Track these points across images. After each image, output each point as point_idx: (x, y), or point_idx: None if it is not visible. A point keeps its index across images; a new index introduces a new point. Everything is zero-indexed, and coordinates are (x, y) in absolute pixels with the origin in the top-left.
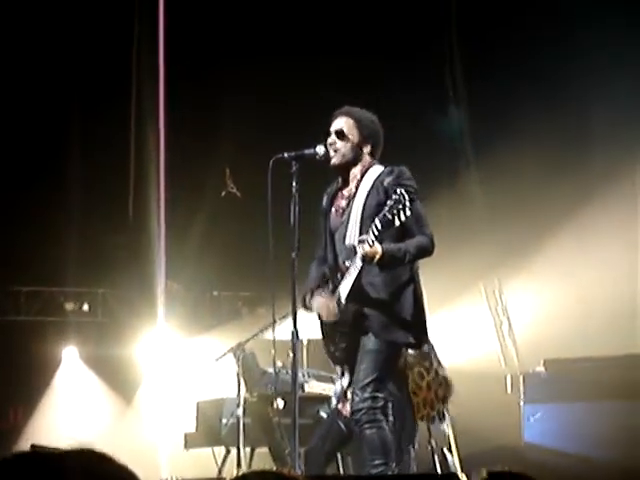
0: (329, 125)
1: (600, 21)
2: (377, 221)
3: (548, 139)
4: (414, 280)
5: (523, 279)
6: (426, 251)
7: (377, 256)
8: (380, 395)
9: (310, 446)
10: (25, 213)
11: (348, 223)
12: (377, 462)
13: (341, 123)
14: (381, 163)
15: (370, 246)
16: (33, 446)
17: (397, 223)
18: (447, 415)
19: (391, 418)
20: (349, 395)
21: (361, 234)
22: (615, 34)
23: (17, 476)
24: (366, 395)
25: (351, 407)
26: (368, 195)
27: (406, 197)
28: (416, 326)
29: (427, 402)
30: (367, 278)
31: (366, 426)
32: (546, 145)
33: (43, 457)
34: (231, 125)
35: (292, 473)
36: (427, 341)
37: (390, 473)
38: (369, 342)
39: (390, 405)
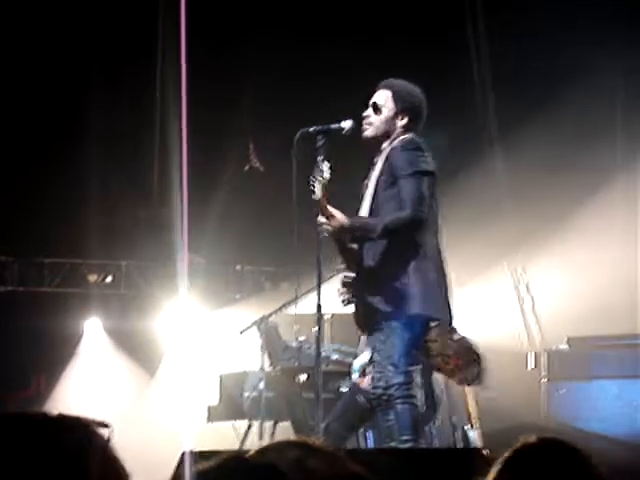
0: (369, 97)
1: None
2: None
3: (572, 115)
4: (425, 249)
5: (547, 257)
6: (404, 226)
7: (339, 227)
8: (412, 369)
9: (330, 420)
10: (49, 184)
11: (365, 194)
12: (406, 438)
13: (378, 96)
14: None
15: (328, 217)
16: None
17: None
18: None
19: (421, 393)
20: (369, 369)
21: (372, 205)
22: None
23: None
24: (398, 370)
25: (384, 382)
26: (383, 165)
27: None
28: (436, 299)
29: (458, 368)
30: (368, 251)
31: (399, 401)
32: (570, 121)
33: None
34: (255, 98)
35: (316, 442)
36: (449, 314)
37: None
38: (391, 319)
39: (419, 380)
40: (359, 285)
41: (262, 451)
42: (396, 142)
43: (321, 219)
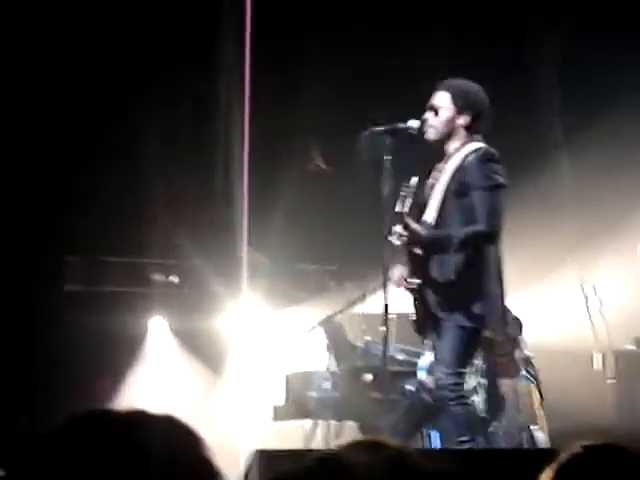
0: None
1: None
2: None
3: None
4: (489, 261)
5: (614, 255)
6: (480, 240)
7: (418, 238)
8: (465, 371)
9: (396, 420)
10: (113, 183)
11: (430, 199)
12: (463, 438)
13: (437, 97)
14: (484, 140)
15: (406, 228)
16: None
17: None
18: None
19: (482, 393)
20: (435, 369)
21: (440, 212)
22: None
23: (89, 434)
24: (450, 371)
25: (437, 384)
26: (454, 173)
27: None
28: (494, 313)
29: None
30: (436, 260)
31: (452, 402)
32: (637, 126)
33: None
34: (322, 94)
35: (388, 441)
36: (504, 322)
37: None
38: (449, 324)
39: (481, 380)
40: (422, 293)
41: (350, 451)
42: (469, 150)
43: (398, 229)
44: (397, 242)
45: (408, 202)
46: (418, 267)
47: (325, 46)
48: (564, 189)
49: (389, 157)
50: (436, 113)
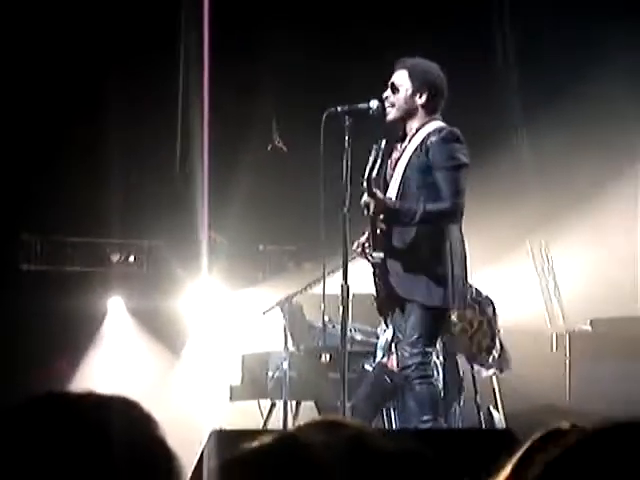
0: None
1: None
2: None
3: (601, 96)
4: (451, 239)
5: (570, 237)
6: (445, 217)
7: (380, 209)
8: (430, 350)
9: (356, 400)
10: (71, 163)
11: (393, 177)
12: (426, 417)
13: (395, 76)
14: (443, 120)
15: (372, 196)
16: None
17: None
18: (494, 367)
19: (441, 373)
20: (394, 348)
21: (401, 191)
22: None
23: (41, 416)
24: (415, 351)
25: (401, 363)
26: (413, 152)
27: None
28: (458, 291)
29: (471, 352)
30: (399, 236)
31: (416, 381)
32: (598, 101)
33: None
34: (279, 78)
35: (347, 420)
36: (468, 297)
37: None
38: (412, 304)
39: (440, 360)
40: (385, 267)
41: (309, 430)
42: (431, 129)
43: (366, 197)
44: (365, 212)
45: (377, 164)
46: (381, 244)
47: (283, 27)
48: (524, 169)
49: (349, 138)
50: (395, 91)
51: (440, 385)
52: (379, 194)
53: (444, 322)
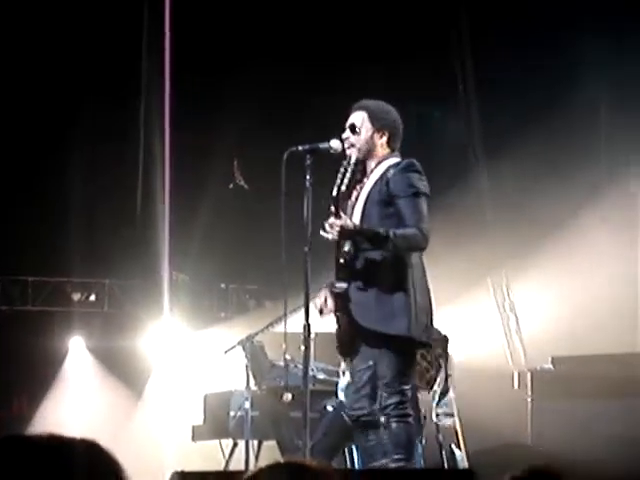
0: (346, 119)
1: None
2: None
3: (558, 136)
4: (413, 269)
5: (531, 275)
6: (412, 242)
7: (348, 228)
8: (407, 388)
9: (316, 439)
10: (32, 203)
11: (352, 214)
12: (398, 457)
13: (354, 117)
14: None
15: (339, 219)
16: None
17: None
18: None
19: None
20: (350, 388)
21: (362, 223)
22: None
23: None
24: (393, 390)
25: (380, 404)
26: (373, 186)
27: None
28: (425, 322)
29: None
30: (363, 264)
31: (394, 420)
32: (556, 142)
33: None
34: (238, 119)
35: (310, 463)
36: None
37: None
38: (380, 337)
39: (414, 400)
40: (347, 297)
41: (255, 476)
42: (390, 164)
43: (332, 220)
44: (328, 235)
45: (346, 180)
46: (344, 274)
47: (244, 68)
48: (484, 205)
49: (310, 177)
50: (354, 132)
51: (417, 426)
52: (344, 216)
53: (414, 356)
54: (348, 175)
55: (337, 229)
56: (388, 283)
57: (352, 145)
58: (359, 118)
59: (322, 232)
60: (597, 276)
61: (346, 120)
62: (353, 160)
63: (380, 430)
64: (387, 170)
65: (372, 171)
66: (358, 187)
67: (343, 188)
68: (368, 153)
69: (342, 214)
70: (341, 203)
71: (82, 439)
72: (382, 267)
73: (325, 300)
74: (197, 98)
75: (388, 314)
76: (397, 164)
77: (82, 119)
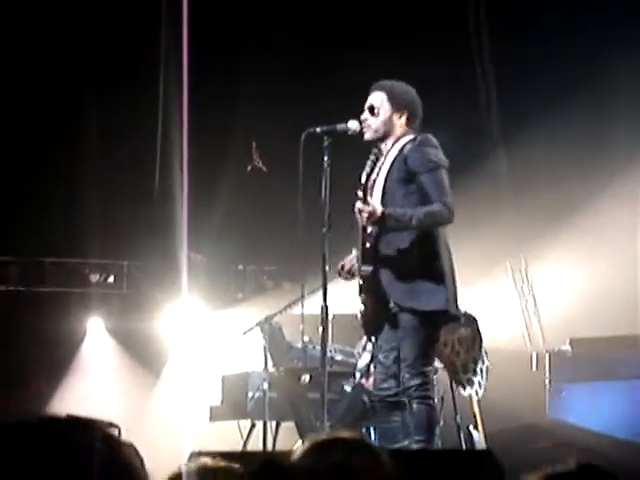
0: (365, 100)
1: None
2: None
3: (575, 121)
4: (440, 247)
5: (549, 258)
6: (439, 218)
7: (377, 215)
8: (429, 369)
9: (334, 420)
10: (50, 183)
11: (373, 192)
12: (419, 438)
13: (373, 98)
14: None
15: (367, 204)
16: (68, 415)
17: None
18: (474, 385)
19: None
20: (372, 369)
21: (383, 203)
22: None
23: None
24: (415, 371)
25: (403, 384)
26: (392, 164)
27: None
28: (445, 293)
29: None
30: (390, 245)
31: (416, 401)
32: (572, 126)
33: None
34: (258, 99)
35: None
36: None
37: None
38: (406, 317)
39: (434, 380)
40: (376, 280)
41: (305, 453)
42: (406, 141)
43: (359, 205)
44: (360, 221)
45: (376, 168)
46: (370, 257)
47: (264, 47)
48: (502, 187)
49: (327, 158)
50: (373, 113)
51: (438, 408)
52: (371, 201)
53: (438, 333)
54: (379, 164)
55: (365, 215)
56: (420, 259)
57: (369, 126)
58: (378, 99)
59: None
60: (615, 259)
61: (365, 100)
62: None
63: (404, 411)
64: (404, 147)
65: (389, 150)
66: (377, 166)
67: (373, 176)
68: (386, 134)
69: (370, 200)
70: (369, 186)
71: (99, 420)
72: (411, 245)
73: (349, 270)
74: (217, 77)
75: (425, 290)
76: (413, 139)
77: (99, 97)
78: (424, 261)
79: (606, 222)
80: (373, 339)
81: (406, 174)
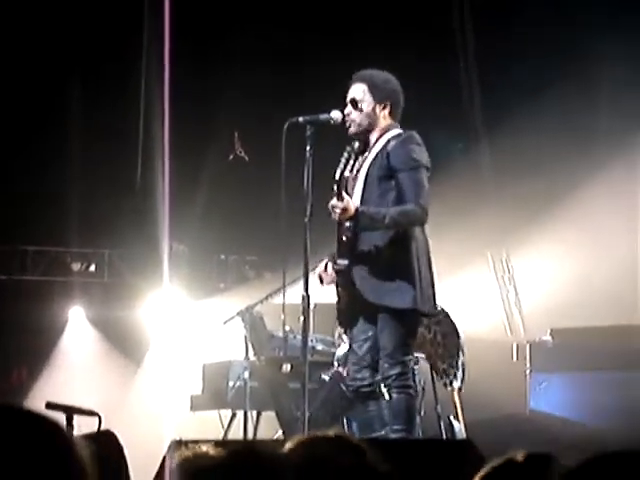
0: (346, 91)
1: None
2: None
3: (557, 110)
4: (414, 247)
5: (531, 248)
6: (413, 218)
7: (349, 213)
8: (408, 359)
9: (313, 409)
10: (32, 172)
11: (354, 187)
12: (398, 427)
13: (355, 91)
14: (401, 127)
15: (341, 200)
16: (48, 403)
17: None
18: (457, 376)
19: (417, 383)
20: (350, 359)
21: (363, 198)
22: None
23: None
24: (394, 361)
25: (381, 374)
26: (374, 159)
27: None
28: (428, 294)
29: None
30: (366, 241)
31: (395, 391)
32: (555, 116)
33: None
34: (239, 89)
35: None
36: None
37: None
38: (381, 310)
39: (415, 370)
40: (350, 274)
41: (296, 446)
42: (390, 136)
43: (334, 202)
44: (334, 217)
45: (349, 165)
46: (346, 251)
47: (244, 37)
48: (483, 177)
49: (310, 148)
50: (355, 107)
51: (418, 397)
52: (348, 198)
53: (416, 328)
54: (351, 161)
55: (338, 211)
56: (392, 258)
57: (353, 120)
58: (359, 91)
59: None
60: (596, 248)
61: (347, 91)
62: (357, 145)
63: (380, 401)
64: (387, 142)
65: (374, 144)
66: (360, 159)
67: (347, 173)
68: (370, 126)
69: (345, 195)
70: (344, 183)
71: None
72: (386, 242)
73: (325, 268)
74: (197, 67)
75: (394, 288)
76: (398, 136)
77: (81, 87)
78: (396, 260)
79: (587, 212)
80: (347, 329)
81: (387, 170)
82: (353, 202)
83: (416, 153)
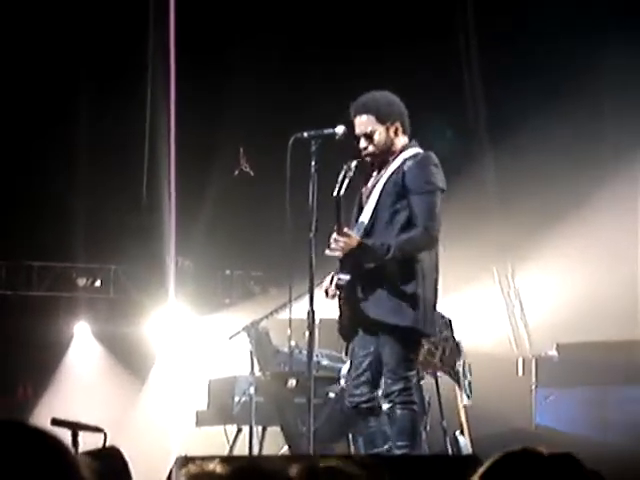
0: (351, 118)
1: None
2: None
3: (562, 127)
4: (418, 268)
5: (536, 263)
6: (419, 245)
7: (352, 245)
8: (411, 374)
9: (318, 425)
10: (39, 188)
11: (367, 203)
12: (402, 444)
13: (364, 125)
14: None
15: (343, 235)
16: (54, 419)
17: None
18: (466, 378)
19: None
20: (349, 374)
21: (374, 216)
22: None
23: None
24: (397, 377)
25: (385, 391)
26: (389, 177)
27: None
28: (429, 317)
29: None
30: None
31: (399, 407)
32: (559, 132)
33: None
34: (244, 105)
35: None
36: (437, 322)
37: None
38: (381, 327)
39: (418, 386)
40: (351, 290)
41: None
42: (408, 155)
43: (335, 236)
44: (332, 252)
45: (345, 184)
46: (349, 266)
47: (250, 53)
48: (488, 193)
49: (315, 163)
50: (371, 140)
51: (421, 412)
52: (350, 232)
53: (418, 345)
54: (347, 181)
55: (341, 245)
56: (396, 277)
57: (372, 153)
58: (369, 124)
59: (327, 251)
60: (601, 264)
61: (349, 113)
62: (354, 165)
63: (381, 417)
64: (404, 162)
65: (391, 162)
66: (375, 176)
67: (342, 192)
68: (387, 150)
69: (347, 230)
70: (341, 202)
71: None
72: (390, 262)
73: (331, 282)
74: (203, 84)
75: (396, 307)
76: (415, 156)
77: (87, 102)
78: (398, 279)
79: (591, 229)
80: (349, 343)
81: (401, 189)
82: (354, 237)
83: (432, 175)
